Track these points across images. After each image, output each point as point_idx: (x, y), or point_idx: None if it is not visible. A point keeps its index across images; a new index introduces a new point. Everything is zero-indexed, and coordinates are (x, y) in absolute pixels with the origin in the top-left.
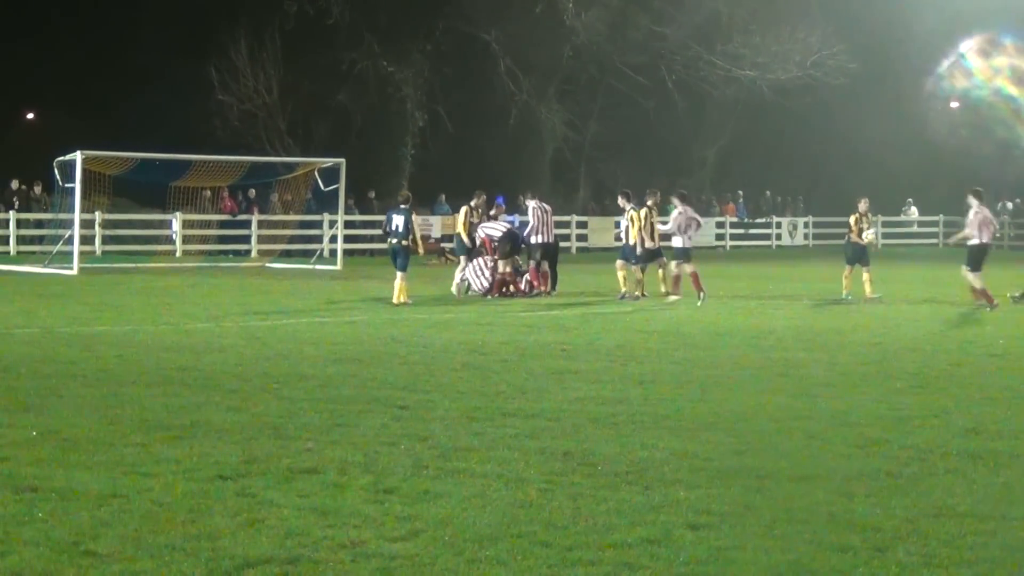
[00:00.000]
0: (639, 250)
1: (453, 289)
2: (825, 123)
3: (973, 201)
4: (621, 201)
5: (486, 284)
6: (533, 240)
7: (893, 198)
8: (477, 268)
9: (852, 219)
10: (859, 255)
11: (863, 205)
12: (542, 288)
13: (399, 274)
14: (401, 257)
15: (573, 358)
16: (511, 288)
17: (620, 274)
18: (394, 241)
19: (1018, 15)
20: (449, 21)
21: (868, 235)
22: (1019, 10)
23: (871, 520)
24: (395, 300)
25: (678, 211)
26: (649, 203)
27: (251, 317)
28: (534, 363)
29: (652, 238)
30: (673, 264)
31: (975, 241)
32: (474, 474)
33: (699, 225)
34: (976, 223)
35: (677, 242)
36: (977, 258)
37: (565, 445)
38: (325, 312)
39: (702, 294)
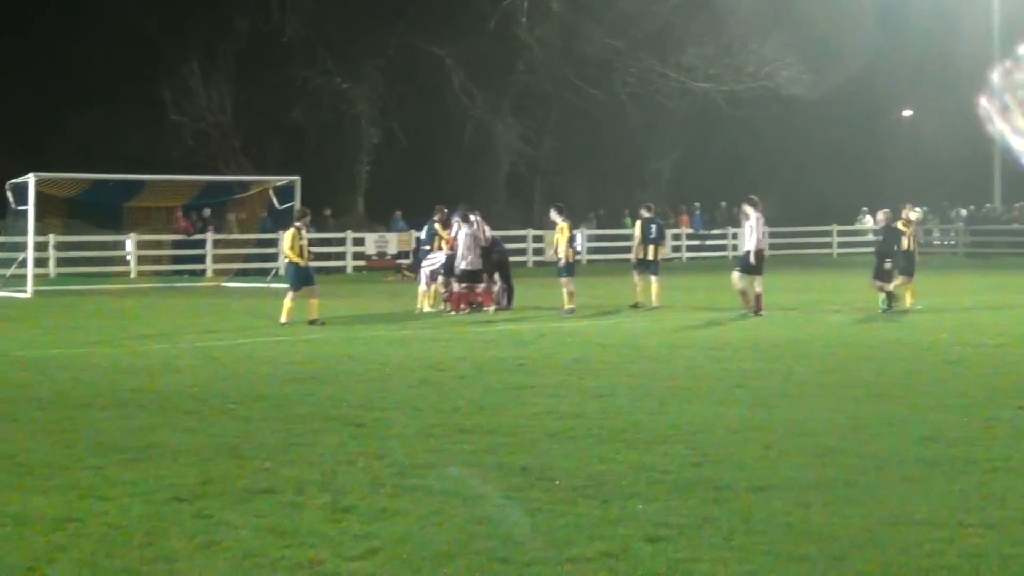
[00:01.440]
0: (563, 263)
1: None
2: (779, 133)
3: (749, 210)
4: (554, 214)
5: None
6: (462, 267)
7: (848, 207)
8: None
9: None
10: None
11: (907, 211)
12: (488, 305)
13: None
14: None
15: (530, 373)
16: (467, 304)
17: (564, 290)
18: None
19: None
20: (402, 37)
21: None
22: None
23: (828, 529)
24: (309, 315)
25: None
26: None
27: (207, 337)
28: (491, 378)
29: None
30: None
31: (752, 247)
32: (432, 491)
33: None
34: (755, 230)
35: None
36: (756, 263)
37: (523, 460)
38: (281, 330)
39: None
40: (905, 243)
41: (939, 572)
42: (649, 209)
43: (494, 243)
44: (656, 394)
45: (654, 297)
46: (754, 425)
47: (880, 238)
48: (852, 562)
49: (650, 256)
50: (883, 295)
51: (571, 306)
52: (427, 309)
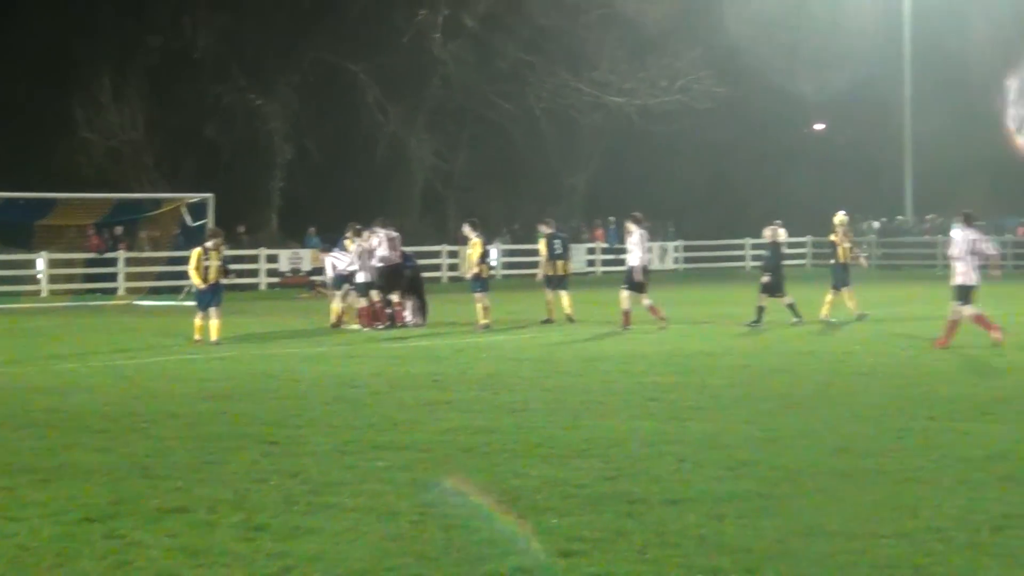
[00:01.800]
0: (475, 277)
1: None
2: (693, 147)
3: (633, 227)
4: (467, 229)
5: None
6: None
7: (761, 220)
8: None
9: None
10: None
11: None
12: (400, 320)
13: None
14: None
15: (445, 388)
16: (381, 320)
17: (478, 305)
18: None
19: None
20: (316, 53)
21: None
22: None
23: (742, 542)
24: (208, 337)
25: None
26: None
27: (119, 356)
28: (406, 394)
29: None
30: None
31: (636, 264)
32: (346, 508)
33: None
34: (638, 246)
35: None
36: (640, 280)
37: (437, 476)
38: (194, 348)
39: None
40: (840, 254)
41: None
42: (550, 224)
43: (406, 259)
44: (570, 408)
45: (568, 311)
46: (668, 438)
47: (767, 253)
48: (765, 574)
49: (559, 271)
50: (786, 307)
51: (485, 321)
52: (354, 326)
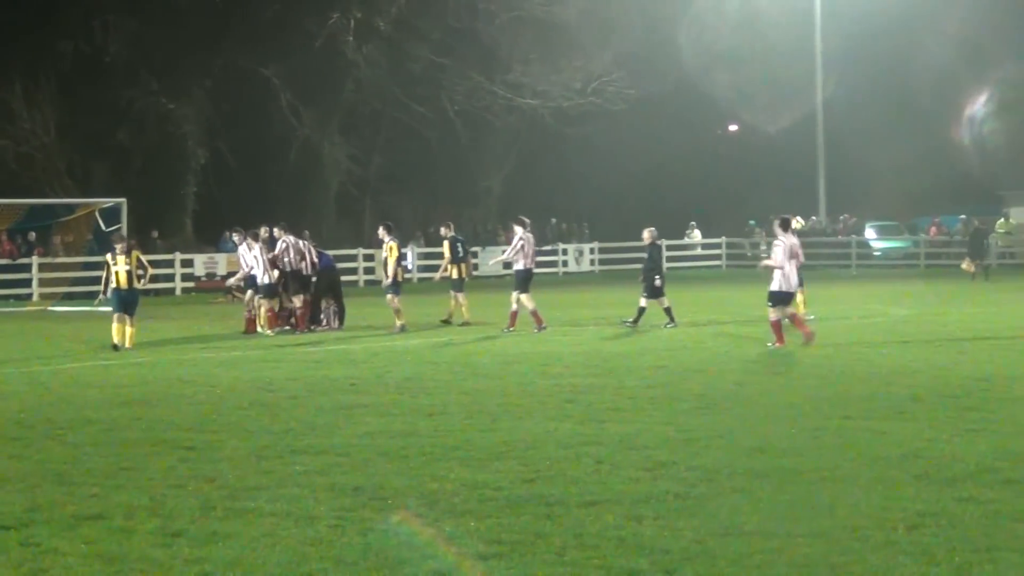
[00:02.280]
0: (389, 281)
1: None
2: (607, 149)
3: (518, 229)
4: (382, 232)
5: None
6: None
7: (676, 222)
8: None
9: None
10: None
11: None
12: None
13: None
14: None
15: (362, 392)
16: (294, 323)
17: (392, 308)
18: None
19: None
20: (228, 57)
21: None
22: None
23: (659, 542)
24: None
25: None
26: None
27: (33, 362)
28: (323, 399)
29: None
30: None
31: (520, 266)
32: (263, 513)
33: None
34: (518, 248)
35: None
36: (525, 281)
37: (355, 480)
38: (110, 354)
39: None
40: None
41: None
42: (450, 227)
43: (324, 262)
44: (488, 411)
45: (466, 315)
46: (586, 440)
47: (646, 255)
48: (683, 574)
49: (462, 274)
50: (663, 310)
51: (401, 322)
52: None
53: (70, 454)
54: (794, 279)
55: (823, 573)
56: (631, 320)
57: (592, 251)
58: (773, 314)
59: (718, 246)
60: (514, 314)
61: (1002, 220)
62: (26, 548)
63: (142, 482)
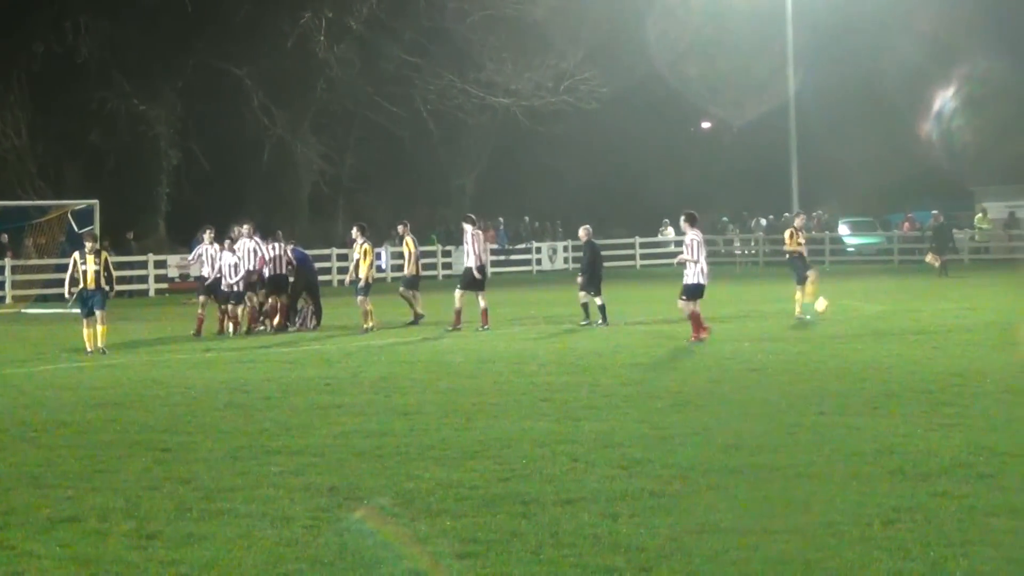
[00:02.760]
0: (362, 283)
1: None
2: (580, 147)
3: (468, 227)
4: (355, 233)
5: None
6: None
7: (649, 219)
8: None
9: (787, 234)
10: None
11: (799, 220)
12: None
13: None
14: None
15: (337, 392)
16: (268, 323)
17: (361, 309)
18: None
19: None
20: (200, 57)
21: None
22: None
23: (635, 540)
24: (96, 344)
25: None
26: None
27: (7, 365)
28: (297, 399)
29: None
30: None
31: (470, 264)
32: (239, 514)
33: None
34: (471, 245)
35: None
36: (479, 279)
37: (330, 480)
38: (83, 356)
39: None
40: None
41: None
42: (406, 226)
43: (302, 261)
44: (463, 410)
45: (420, 310)
46: (561, 438)
47: (582, 253)
48: (659, 572)
49: (419, 272)
50: (598, 308)
51: (369, 324)
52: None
53: (44, 457)
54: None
55: (799, 569)
56: (597, 320)
57: (566, 249)
58: (686, 307)
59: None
60: (484, 311)
61: (980, 215)
62: (1, 551)
63: (117, 484)
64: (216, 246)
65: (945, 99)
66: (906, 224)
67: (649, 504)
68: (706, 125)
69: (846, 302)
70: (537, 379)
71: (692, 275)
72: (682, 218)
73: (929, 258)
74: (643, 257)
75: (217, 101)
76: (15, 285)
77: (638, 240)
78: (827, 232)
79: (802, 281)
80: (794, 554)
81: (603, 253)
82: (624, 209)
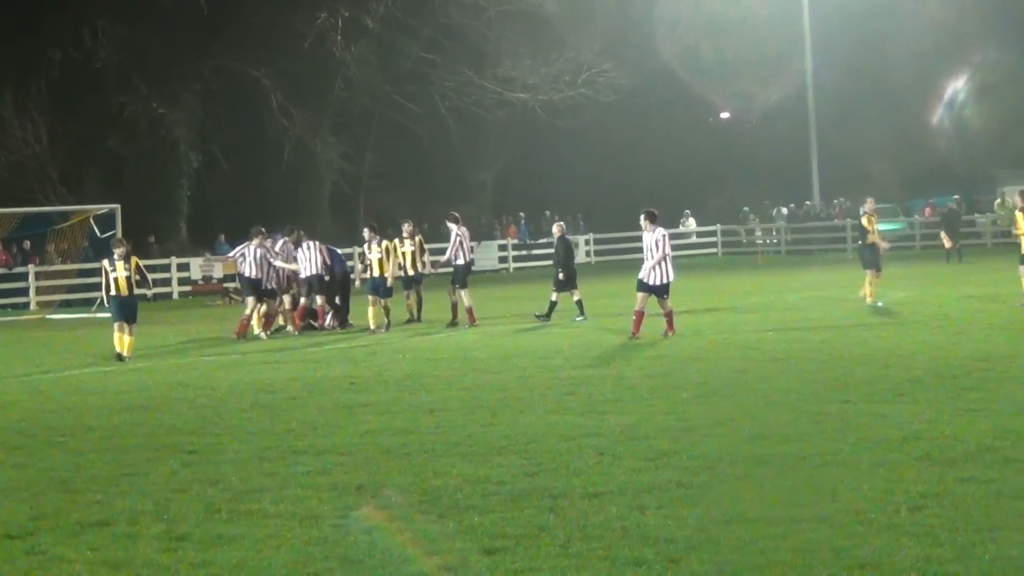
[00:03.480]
0: (390, 282)
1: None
2: (599, 140)
3: (452, 226)
4: (367, 234)
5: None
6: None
7: (671, 210)
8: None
9: (865, 220)
10: (875, 258)
11: (869, 204)
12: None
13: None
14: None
15: (362, 391)
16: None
17: (371, 309)
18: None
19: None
20: (218, 60)
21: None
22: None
23: (663, 531)
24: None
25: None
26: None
27: (33, 370)
28: (323, 398)
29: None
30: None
31: (460, 261)
32: (267, 515)
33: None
34: (457, 244)
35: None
36: (464, 275)
37: (358, 479)
38: (109, 360)
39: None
40: (870, 237)
41: (773, 568)
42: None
43: (336, 260)
44: (488, 406)
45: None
46: (587, 432)
47: (554, 250)
48: (688, 562)
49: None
50: (574, 303)
51: (384, 322)
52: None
53: (72, 461)
54: (659, 271)
55: (827, 557)
56: (544, 314)
57: (587, 243)
58: (644, 303)
59: (713, 234)
60: (469, 309)
61: (999, 201)
62: (32, 556)
63: (145, 487)
64: (291, 243)
65: (959, 86)
66: (927, 210)
67: (676, 495)
68: (725, 115)
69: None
70: (561, 373)
71: (661, 275)
72: (643, 216)
73: (944, 239)
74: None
75: (236, 103)
76: (39, 291)
77: (662, 231)
78: (848, 219)
79: (877, 267)
80: (822, 542)
81: (626, 246)
82: (645, 200)
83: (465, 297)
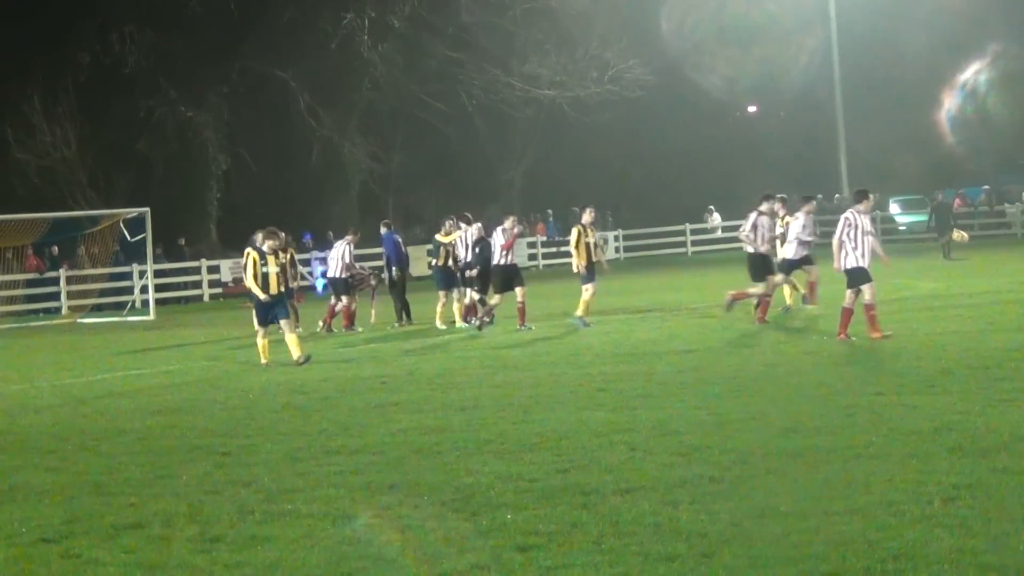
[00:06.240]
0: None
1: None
2: (627, 137)
3: (462, 225)
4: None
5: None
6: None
7: (696, 205)
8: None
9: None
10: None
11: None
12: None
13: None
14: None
15: (394, 390)
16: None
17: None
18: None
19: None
20: (245, 62)
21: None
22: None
23: (696, 527)
24: (290, 356)
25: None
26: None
27: (66, 375)
28: (355, 398)
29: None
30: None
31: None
32: (301, 515)
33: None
34: (468, 244)
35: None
36: (473, 276)
37: (390, 478)
38: (141, 363)
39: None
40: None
41: (806, 561)
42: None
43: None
44: (520, 403)
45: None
46: (618, 427)
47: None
48: (721, 557)
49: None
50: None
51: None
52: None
53: (106, 465)
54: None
55: (860, 549)
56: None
57: (616, 239)
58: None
59: (738, 228)
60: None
61: None
62: (67, 560)
63: (179, 489)
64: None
65: (981, 76)
66: (957, 200)
67: (709, 490)
68: (752, 109)
69: (899, 280)
70: (592, 370)
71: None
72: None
73: (956, 235)
74: (694, 244)
75: (263, 105)
76: (70, 295)
77: (688, 227)
78: (877, 212)
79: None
80: (855, 535)
81: (654, 242)
82: (673, 195)
83: (468, 296)
